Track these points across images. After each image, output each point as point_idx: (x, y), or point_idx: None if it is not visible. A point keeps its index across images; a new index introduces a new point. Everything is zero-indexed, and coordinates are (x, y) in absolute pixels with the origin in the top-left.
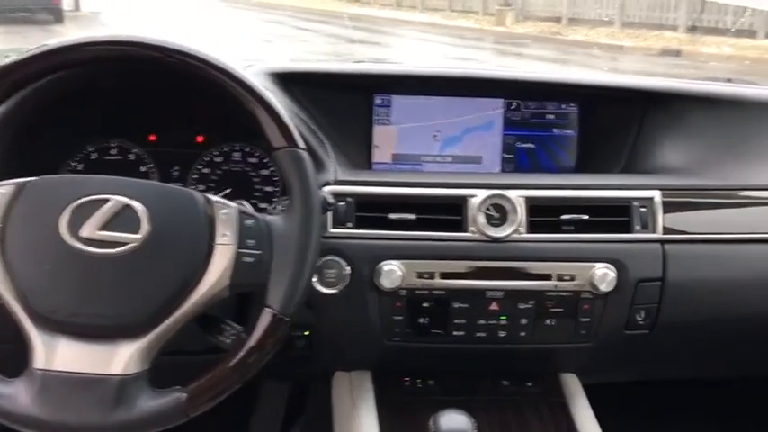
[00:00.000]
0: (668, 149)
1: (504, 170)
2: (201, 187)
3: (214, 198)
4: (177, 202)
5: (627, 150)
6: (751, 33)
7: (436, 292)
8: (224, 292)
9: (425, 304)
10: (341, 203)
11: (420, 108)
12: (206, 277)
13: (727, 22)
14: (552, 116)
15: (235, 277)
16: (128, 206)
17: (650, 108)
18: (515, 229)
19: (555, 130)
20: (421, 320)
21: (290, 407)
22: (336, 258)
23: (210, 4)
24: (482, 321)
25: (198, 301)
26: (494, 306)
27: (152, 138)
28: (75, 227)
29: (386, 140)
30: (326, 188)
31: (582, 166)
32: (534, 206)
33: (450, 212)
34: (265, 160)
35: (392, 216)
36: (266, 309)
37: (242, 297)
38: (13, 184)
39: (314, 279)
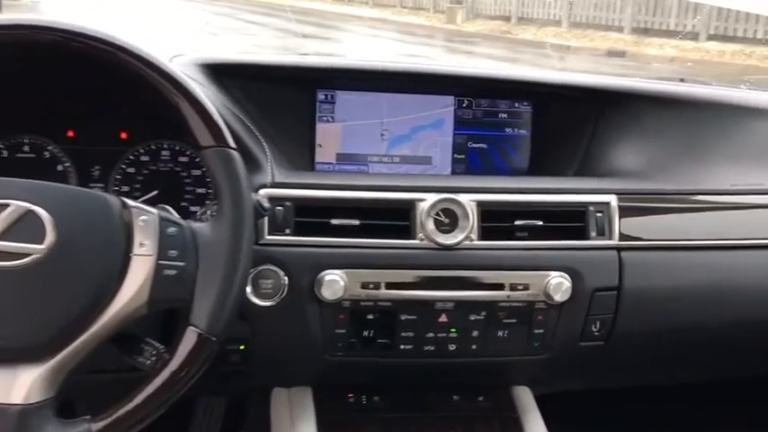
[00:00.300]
0: (624, 151)
1: (454, 171)
2: (125, 188)
3: (131, 203)
4: (88, 207)
5: (581, 152)
6: (693, 36)
7: (382, 303)
8: (142, 310)
9: (370, 316)
10: (278, 208)
11: (366, 105)
12: (121, 293)
13: (670, 24)
14: (505, 115)
15: (154, 293)
16: (30, 212)
17: (605, 108)
18: (466, 235)
19: (508, 130)
20: (365, 334)
21: (227, 424)
22: (273, 268)
23: None
24: (431, 334)
25: (111, 319)
26: (443, 318)
27: (70, 134)
28: None
29: (329, 139)
30: (262, 191)
31: (535, 168)
32: (486, 211)
33: (396, 218)
34: (197, 159)
35: (334, 222)
36: (190, 328)
37: (168, 310)
38: None
39: (248, 290)
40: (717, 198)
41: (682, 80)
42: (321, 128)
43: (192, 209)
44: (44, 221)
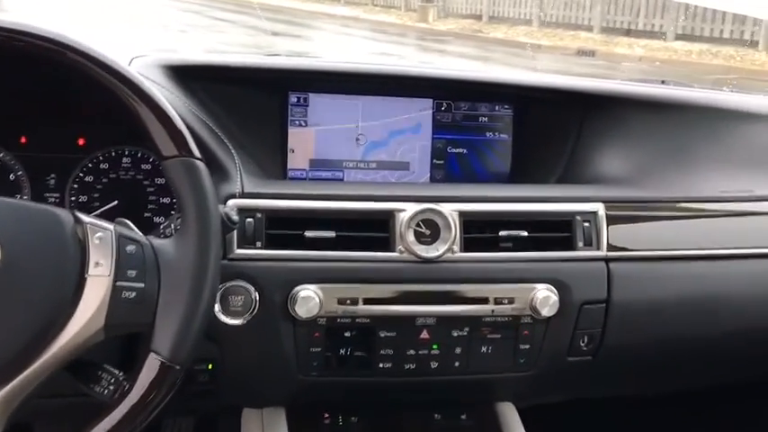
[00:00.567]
0: (609, 157)
1: (433, 177)
2: (83, 198)
3: (86, 218)
4: (36, 223)
5: (565, 157)
6: (661, 35)
7: (360, 320)
8: (98, 336)
9: (347, 334)
10: (248, 219)
11: (341, 108)
12: (75, 318)
13: (639, 24)
14: (485, 119)
15: (111, 317)
16: None
17: (589, 112)
18: (449, 247)
19: (488, 134)
20: (342, 352)
21: None
22: (243, 284)
23: None
24: (412, 352)
25: (64, 347)
26: (425, 334)
27: (22, 140)
28: None
29: (302, 144)
30: (231, 202)
31: (517, 174)
32: (469, 221)
33: (375, 229)
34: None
35: (309, 234)
36: (152, 355)
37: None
38: None
39: (216, 308)
40: (706, 205)
41: (663, 82)
42: (293, 132)
43: (157, 220)
44: None
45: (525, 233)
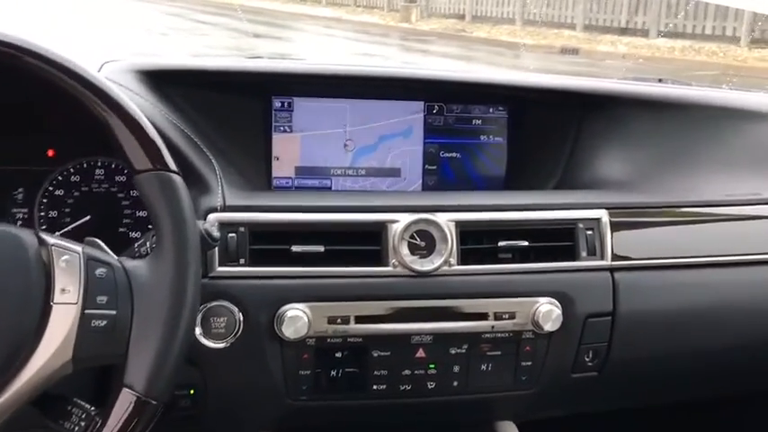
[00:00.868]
0: (609, 159)
1: (426, 184)
2: (53, 213)
3: (51, 239)
4: None
5: (563, 160)
6: (644, 32)
7: (351, 339)
8: (66, 369)
9: (338, 355)
10: (231, 235)
11: (327, 112)
12: (40, 349)
13: (621, 21)
14: (479, 121)
15: (80, 348)
16: None
17: (588, 113)
18: (445, 260)
19: (482, 138)
20: (333, 374)
21: None
22: (226, 304)
23: None
24: (407, 372)
25: (29, 382)
26: (421, 353)
27: None
28: None
29: (288, 151)
30: (212, 216)
31: (513, 179)
32: (466, 232)
33: (366, 242)
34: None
35: (296, 248)
36: (125, 389)
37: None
38: None
39: (197, 331)
40: (712, 210)
41: (660, 80)
42: (278, 139)
43: (133, 235)
44: None
45: (526, 243)
